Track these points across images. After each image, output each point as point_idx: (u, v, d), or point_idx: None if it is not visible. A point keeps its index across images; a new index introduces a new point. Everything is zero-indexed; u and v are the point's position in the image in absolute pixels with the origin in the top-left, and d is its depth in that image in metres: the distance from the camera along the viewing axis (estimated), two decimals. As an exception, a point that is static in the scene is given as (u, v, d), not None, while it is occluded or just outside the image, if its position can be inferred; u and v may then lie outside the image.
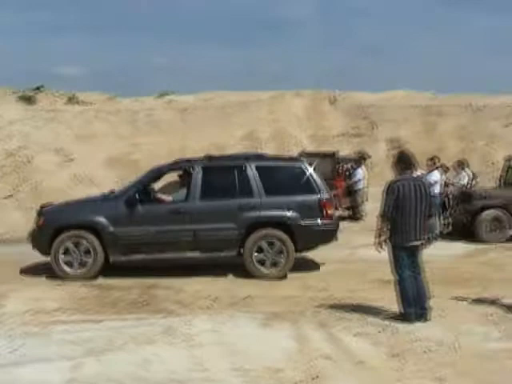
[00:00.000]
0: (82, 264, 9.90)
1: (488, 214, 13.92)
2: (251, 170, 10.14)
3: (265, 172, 10.18)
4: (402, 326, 6.83)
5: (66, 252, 9.91)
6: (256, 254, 9.93)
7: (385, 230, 7.27)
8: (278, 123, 28.72)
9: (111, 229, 9.92)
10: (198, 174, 10.16)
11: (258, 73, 66.29)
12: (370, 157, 20.95)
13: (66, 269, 9.89)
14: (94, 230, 9.94)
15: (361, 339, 6.43)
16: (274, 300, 8.38)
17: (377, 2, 79.45)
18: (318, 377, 5.32)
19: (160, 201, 10.55)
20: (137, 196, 10.09)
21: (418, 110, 30.54)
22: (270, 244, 9.99)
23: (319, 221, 9.99)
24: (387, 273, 7.62)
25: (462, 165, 15.53)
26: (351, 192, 18.15)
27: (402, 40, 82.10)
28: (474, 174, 15.83)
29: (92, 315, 7.36)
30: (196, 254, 10.03)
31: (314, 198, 10.08)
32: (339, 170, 20.01)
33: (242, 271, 10.05)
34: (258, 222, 9.99)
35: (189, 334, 6.47)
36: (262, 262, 9.94)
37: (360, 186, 18.02)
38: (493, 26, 73.37)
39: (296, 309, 7.70)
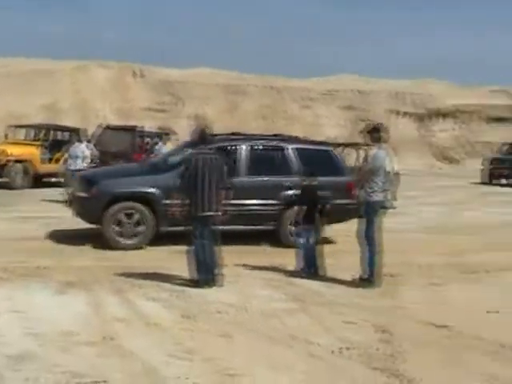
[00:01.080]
0: (134, 234, 10.05)
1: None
2: (290, 152, 10.87)
3: (302, 154, 10.81)
4: (194, 291, 7.19)
5: (119, 223, 9.98)
6: (290, 226, 10.45)
7: (185, 201, 7.66)
8: (80, 94, 28.05)
9: (164, 201, 9.83)
10: (242, 153, 10.65)
11: (62, 41, 63.96)
12: (175, 133, 21.27)
13: (118, 239, 9.95)
14: (147, 201, 10.04)
15: (155, 303, 6.68)
16: (69, 270, 8.29)
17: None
18: (112, 338, 5.48)
19: None
20: None
21: (221, 88, 31.35)
22: None
23: (346, 200, 10.57)
24: (183, 243, 8.00)
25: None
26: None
27: (207, 19, 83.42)
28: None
29: None
30: (239, 227, 10.24)
31: (343, 179, 10.87)
32: (141, 145, 20.22)
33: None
34: (294, 200, 10.30)
35: (-20, 302, 6.30)
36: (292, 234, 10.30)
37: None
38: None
39: (92, 278, 7.75)
